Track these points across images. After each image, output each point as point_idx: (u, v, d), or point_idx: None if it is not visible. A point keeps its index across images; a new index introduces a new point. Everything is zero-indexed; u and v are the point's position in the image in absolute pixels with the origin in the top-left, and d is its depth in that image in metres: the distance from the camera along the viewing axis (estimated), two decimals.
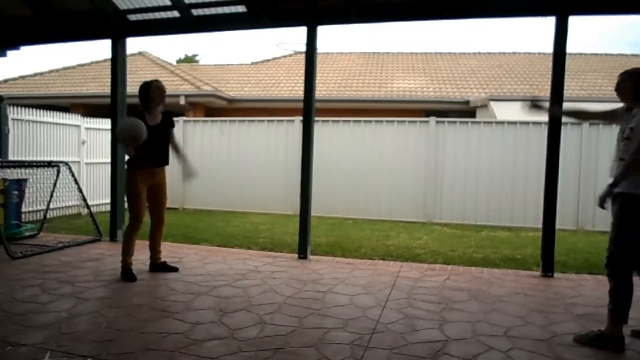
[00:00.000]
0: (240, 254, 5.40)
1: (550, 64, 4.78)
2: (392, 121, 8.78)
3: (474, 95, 12.01)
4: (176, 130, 4.58)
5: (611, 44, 47.95)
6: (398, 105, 12.01)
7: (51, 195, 6.31)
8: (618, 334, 2.84)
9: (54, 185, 6.27)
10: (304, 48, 5.25)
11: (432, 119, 8.59)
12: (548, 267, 4.63)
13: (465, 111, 11.49)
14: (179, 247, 5.72)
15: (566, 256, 5.53)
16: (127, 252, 4.25)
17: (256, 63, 16.29)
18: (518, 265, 5.16)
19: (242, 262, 4.95)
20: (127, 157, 4.17)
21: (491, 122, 8.57)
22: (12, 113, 7.37)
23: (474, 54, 16.06)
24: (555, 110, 4.06)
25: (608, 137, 7.86)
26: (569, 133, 7.58)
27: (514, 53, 16.08)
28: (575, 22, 35.87)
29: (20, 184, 6.07)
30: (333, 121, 9.00)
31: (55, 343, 2.76)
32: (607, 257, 2.93)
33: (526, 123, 8.17)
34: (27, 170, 6.44)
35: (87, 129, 8.84)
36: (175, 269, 4.49)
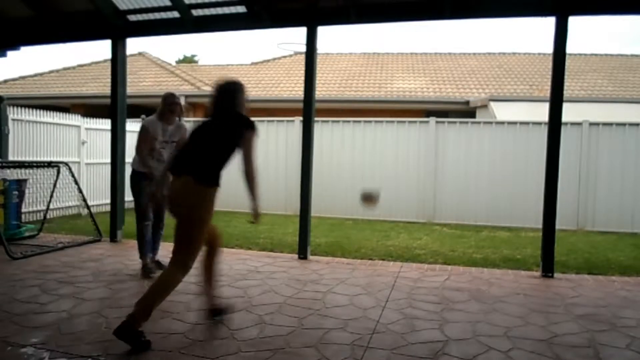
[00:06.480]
0: (240, 254, 5.39)
1: (550, 64, 4.79)
2: (392, 121, 8.78)
3: (474, 95, 12.01)
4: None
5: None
6: (398, 106, 12.00)
7: (51, 196, 6.31)
8: (145, 264, 4.35)
9: (54, 185, 6.27)
10: (304, 48, 5.25)
11: (432, 119, 8.59)
12: (548, 267, 4.63)
13: (465, 111, 11.49)
14: None
15: (566, 256, 5.53)
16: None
17: (256, 63, 16.27)
18: (518, 266, 5.16)
19: (242, 263, 4.95)
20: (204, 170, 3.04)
21: (491, 123, 8.58)
22: (12, 113, 7.36)
23: (474, 54, 16.05)
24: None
25: (608, 137, 7.89)
26: (569, 133, 7.58)
27: (514, 53, 16.07)
28: (575, 22, 35.82)
29: (20, 184, 6.06)
30: (333, 121, 9.00)
31: (55, 343, 2.76)
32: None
33: (526, 123, 8.18)
34: (27, 171, 6.43)
35: (87, 129, 8.82)
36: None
